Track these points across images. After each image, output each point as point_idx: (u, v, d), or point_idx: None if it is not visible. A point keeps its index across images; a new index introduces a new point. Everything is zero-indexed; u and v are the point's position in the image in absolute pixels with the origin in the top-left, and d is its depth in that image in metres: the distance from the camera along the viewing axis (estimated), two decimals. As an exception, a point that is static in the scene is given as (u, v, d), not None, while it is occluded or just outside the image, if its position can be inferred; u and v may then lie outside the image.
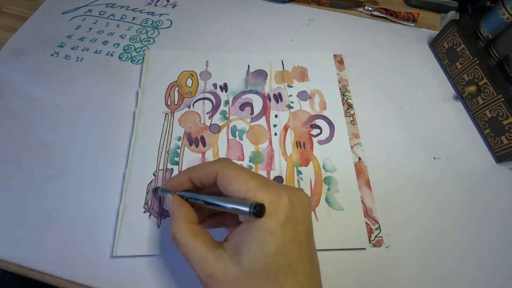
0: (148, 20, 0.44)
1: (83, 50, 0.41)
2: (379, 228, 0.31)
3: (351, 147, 0.35)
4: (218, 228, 0.26)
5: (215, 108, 0.37)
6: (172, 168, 0.32)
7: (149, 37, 0.43)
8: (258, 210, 0.19)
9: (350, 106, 0.38)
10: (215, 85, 0.38)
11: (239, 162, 0.33)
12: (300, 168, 0.33)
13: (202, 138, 0.35)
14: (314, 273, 0.21)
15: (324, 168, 0.33)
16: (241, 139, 0.35)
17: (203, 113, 0.36)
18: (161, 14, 0.45)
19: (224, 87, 0.38)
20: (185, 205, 0.24)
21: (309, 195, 0.32)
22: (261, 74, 0.39)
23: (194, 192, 0.24)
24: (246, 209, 0.19)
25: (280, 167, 0.33)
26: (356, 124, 0.37)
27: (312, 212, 0.30)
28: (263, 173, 0.33)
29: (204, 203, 0.23)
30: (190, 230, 0.22)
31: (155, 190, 0.31)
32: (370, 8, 0.48)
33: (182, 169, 0.32)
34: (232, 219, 0.26)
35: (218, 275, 0.20)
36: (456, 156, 0.36)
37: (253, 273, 0.19)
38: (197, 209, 0.25)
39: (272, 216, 0.19)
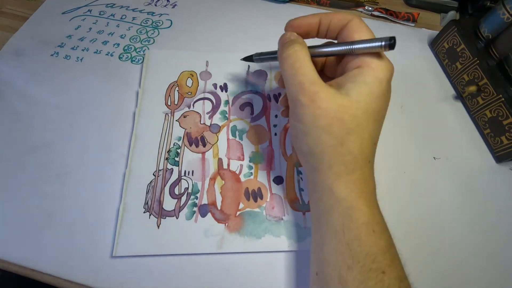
0: (148, 20, 0.44)
1: (83, 50, 0.41)
2: (379, 228, 0.31)
3: (351, 147, 0.35)
4: None
5: (215, 108, 0.37)
6: (172, 168, 0.32)
7: (149, 37, 0.43)
8: (393, 41, 0.22)
9: (350, 106, 0.38)
10: (215, 85, 0.38)
11: (239, 162, 0.33)
12: (300, 169, 0.33)
13: (202, 138, 0.35)
14: (379, 134, 0.24)
15: (324, 168, 0.33)
16: (241, 139, 0.35)
17: (203, 113, 0.36)
18: (161, 14, 0.45)
19: (224, 87, 0.38)
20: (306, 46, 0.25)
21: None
22: (261, 74, 0.39)
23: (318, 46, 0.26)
24: (381, 43, 0.22)
25: (280, 167, 0.33)
26: (356, 124, 0.37)
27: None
28: (263, 173, 0.33)
29: (335, 51, 0.24)
30: (310, 56, 0.24)
31: (249, 58, 0.33)
32: (370, 8, 0.48)
33: (182, 169, 0.32)
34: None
35: (325, 96, 0.22)
36: (456, 156, 0.36)
37: (357, 104, 0.22)
38: None
39: (384, 69, 0.23)
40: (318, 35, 0.27)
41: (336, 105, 0.22)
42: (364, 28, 0.24)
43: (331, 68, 0.28)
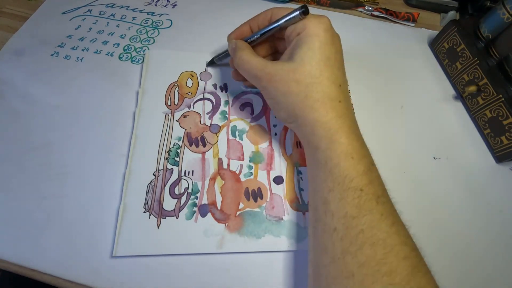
0: (148, 20, 0.45)
1: (83, 50, 0.41)
2: (379, 228, 0.31)
3: (351, 147, 0.35)
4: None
5: (215, 108, 0.37)
6: (172, 168, 0.32)
7: (149, 37, 0.43)
8: (305, 9, 0.27)
9: (350, 106, 0.38)
10: (215, 86, 0.38)
11: (239, 162, 0.33)
12: (300, 168, 0.33)
13: (202, 138, 0.35)
14: (344, 75, 0.28)
15: (324, 168, 0.33)
16: (241, 139, 0.35)
17: (203, 113, 0.36)
18: (161, 14, 0.45)
19: (224, 87, 0.38)
20: (246, 43, 0.31)
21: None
22: (261, 74, 0.39)
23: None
24: (296, 12, 0.27)
25: (280, 167, 0.33)
26: (356, 124, 0.37)
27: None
28: (263, 173, 0.33)
29: (262, 34, 0.30)
30: (252, 52, 0.30)
31: (211, 62, 0.39)
32: (370, 8, 0.48)
33: (182, 169, 0.32)
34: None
35: (275, 70, 0.27)
36: (456, 156, 0.36)
37: (302, 62, 0.26)
38: None
39: (316, 24, 0.27)
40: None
41: (286, 71, 0.26)
42: (284, 10, 0.29)
43: (281, 44, 0.33)
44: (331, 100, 0.26)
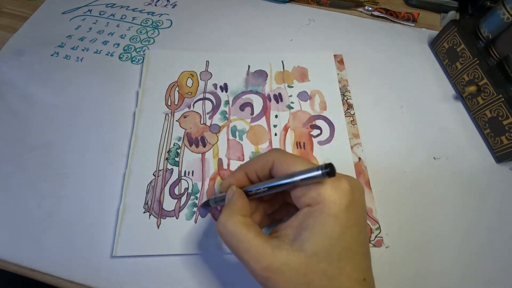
0: (148, 20, 0.44)
1: (83, 50, 0.41)
2: (379, 228, 0.31)
3: (351, 147, 0.35)
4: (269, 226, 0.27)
5: (215, 108, 0.37)
6: (172, 168, 0.32)
7: (149, 37, 0.43)
8: (331, 169, 0.19)
9: (350, 106, 0.38)
10: (215, 85, 0.38)
11: (239, 162, 0.33)
12: (300, 168, 0.33)
13: (202, 138, 0.35)
14: (369, 256, 0.22)
15: (324, 168, 0.33)
16: (241, 139, 0.35)
17: (203, 113, 0.36)
18: (161, 14, 0.45)
19: (224, 87, 0.38)
20: (243, 198, 0.24)
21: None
22: (261, 74, 0.39)
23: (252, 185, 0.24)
24: (318, 172, 0.19)
25: (280, 167, 0.33)
26: (356, 124, 0.37)
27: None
28: (263, 173, 0.33)
29: (269, 188, 0.22)
30: (243, 221, 0.21)
31: (206, 203, 0.29)
32: (370, 8, 0.48)
33: (182, 170, 0.32)
34: (287, 212, 0.26)
35: (279, 265, 0.19)
36: (456, 156, 0.36)
37: (317, 257, 0.19)
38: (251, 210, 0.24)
39: (336, 200, 0.20)
40: (252, 183, 0.25)
41: (294, 270, 0.19)
42: (289, 158, 0.22)
43: (285, 194, 0.26)
44: None
